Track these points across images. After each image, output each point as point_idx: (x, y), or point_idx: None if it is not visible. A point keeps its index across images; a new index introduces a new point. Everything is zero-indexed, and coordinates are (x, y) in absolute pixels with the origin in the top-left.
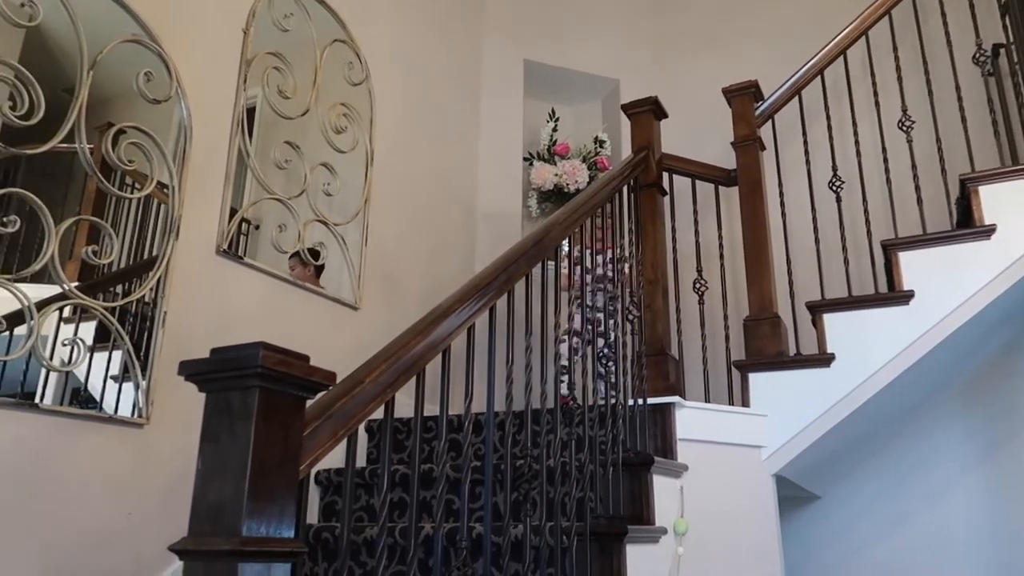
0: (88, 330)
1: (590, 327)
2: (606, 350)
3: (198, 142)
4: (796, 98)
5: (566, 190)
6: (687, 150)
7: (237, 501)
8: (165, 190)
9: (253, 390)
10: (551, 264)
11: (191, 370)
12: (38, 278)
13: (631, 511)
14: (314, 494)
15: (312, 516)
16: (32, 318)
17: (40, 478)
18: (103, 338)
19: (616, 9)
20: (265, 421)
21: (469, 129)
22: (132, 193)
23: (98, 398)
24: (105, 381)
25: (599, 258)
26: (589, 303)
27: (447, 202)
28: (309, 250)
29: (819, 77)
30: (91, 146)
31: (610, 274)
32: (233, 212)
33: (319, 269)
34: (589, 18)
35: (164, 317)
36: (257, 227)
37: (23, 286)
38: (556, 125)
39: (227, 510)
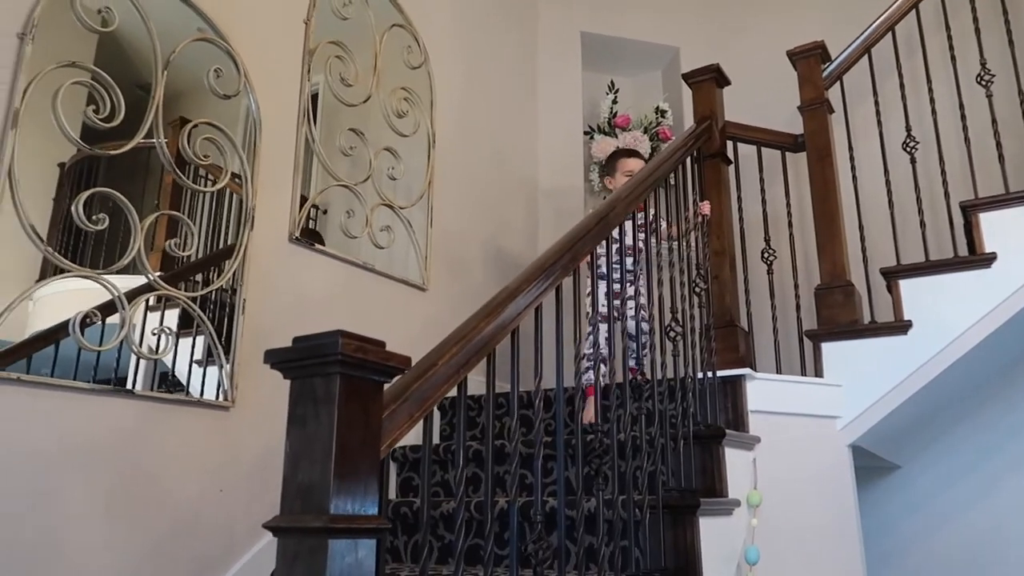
0: (171, 318)
1: (635, 302)
2: (674, 323)
3: (267, 133)
4: (865, 57)
5: None
6: (749, 117)
7: (324, 481)
8: (237, 181)
9: (334, 376)
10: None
11: (276, 358)
12: (120, 270)
13: (703, 484)
14: (391, 470)
15: (390, 492)
16: (124, 309)
17: (137, 459)
18: (184, 325)
19: None
20: (347, 405)
21: (527, 105)
22: (208, 186)
23: (183, 383)
24: (190, 367)
25: (665, 230)
26: (654, 277)
27: (508, 179)
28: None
29: (890, 33)
30: (165, 140)
31: (675, 246)
32: (303, 200)
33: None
34: None
35: (244, 304)
36: (325, 212)
37: (110, 278)
38: (616, 97)
39: (315, 490)
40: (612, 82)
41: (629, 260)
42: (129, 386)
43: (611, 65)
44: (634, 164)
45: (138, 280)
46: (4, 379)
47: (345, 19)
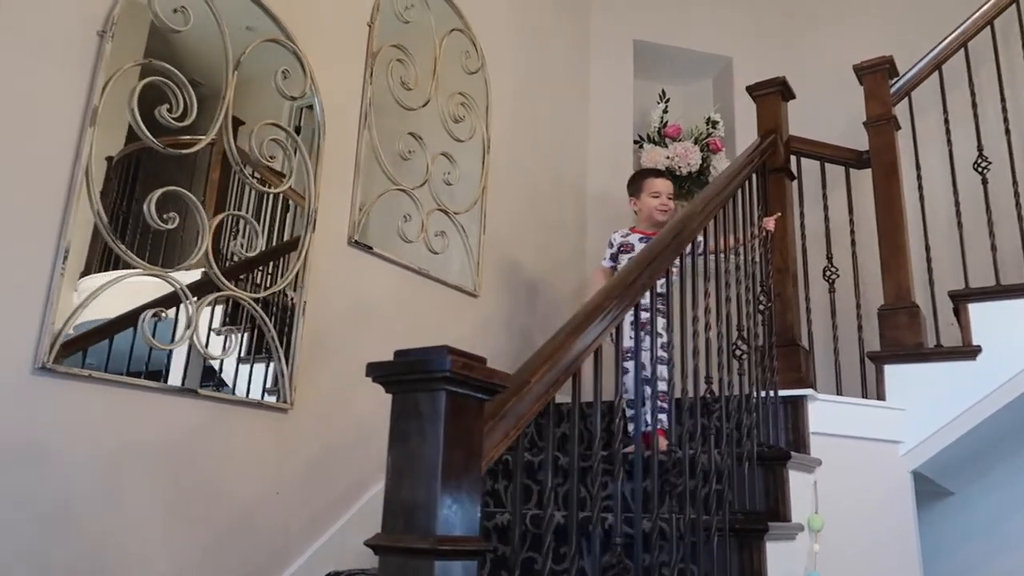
0: (206, 315)
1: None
2: (739, 342)
3: (330, 136)
4: (936, 73)
5: (677, 173)
6: (801, 129)
7: (430, 501)
8: (284, 180)
9: (440, 393)
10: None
11: (379, 372)
12: (167, 265)
13: (766, 506)
14: None
15: None
16: (191, 308)
17: (197, 460)
18: (234, 323)
19: None
20: (452, 423)
21: (579, 112)
22: (270, 187)
23: (227, 382)
24: (251, 370)
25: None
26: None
27: (558, 186)
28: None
29: (963, 49)
30: (212, 139)
31: (741, 264)
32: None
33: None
34: None
35: (304, 306)
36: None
37: (174, 275)
38: (666, 106)
39: (420, 509)
40: (663, 91)
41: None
42: (177, 383)
43: (661, 73)
44: (662, 185)
45: (190, 276)
46: (76, 376)
47: (407, 22)
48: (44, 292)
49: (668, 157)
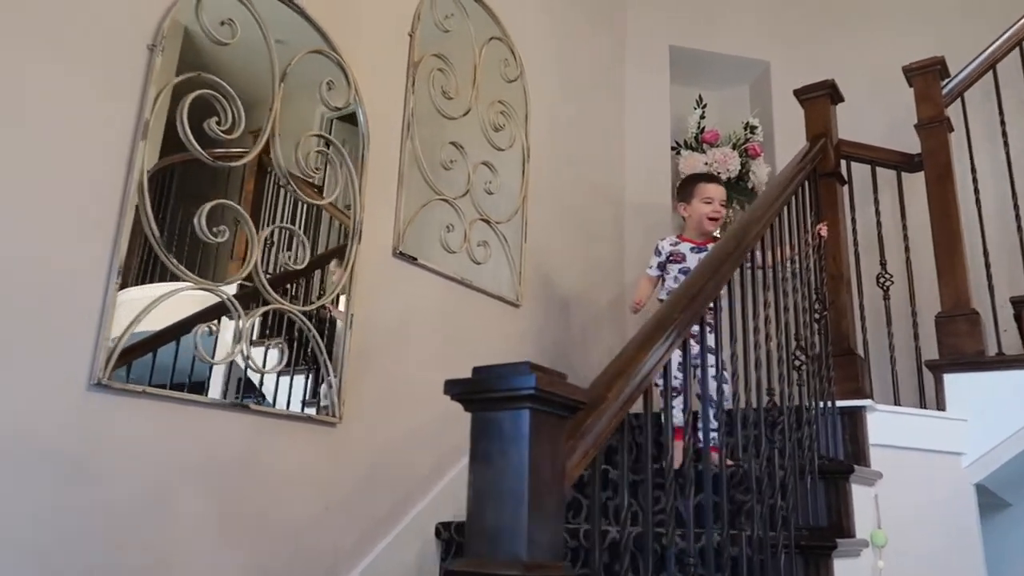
0: (258, 327)
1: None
2: (798, 351)
3: (373, 146)
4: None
5: None
6: (843, 133)
7: (517, 526)
8: (326, 191)
9: (524, 411)
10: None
11: (457, 389)
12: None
13: (828, 522)
14: None
15: None
16: (241, 321)
17: (246, 474)
18: (273, 336)
19: None
20: (537, 443)
21: (615, 120)
22: (316, 199)
23: (268, 394)
24: (291, 382)
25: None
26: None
27: (596, 195)
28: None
29: (1018, 48)
30: (244, 150)
31: (795, 270)
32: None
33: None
34: None
35: (351, 319)
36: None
37: (216, 288)
38: (704, 112)
39: (507, 534)
40: (700, 96)
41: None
42: (228, 398)
43: (698, 79)
44: (715, 191)
45: (228, 289)
46: (131, 391)
47: (447, 31)
48: (99, 307)
49: (706, 163)
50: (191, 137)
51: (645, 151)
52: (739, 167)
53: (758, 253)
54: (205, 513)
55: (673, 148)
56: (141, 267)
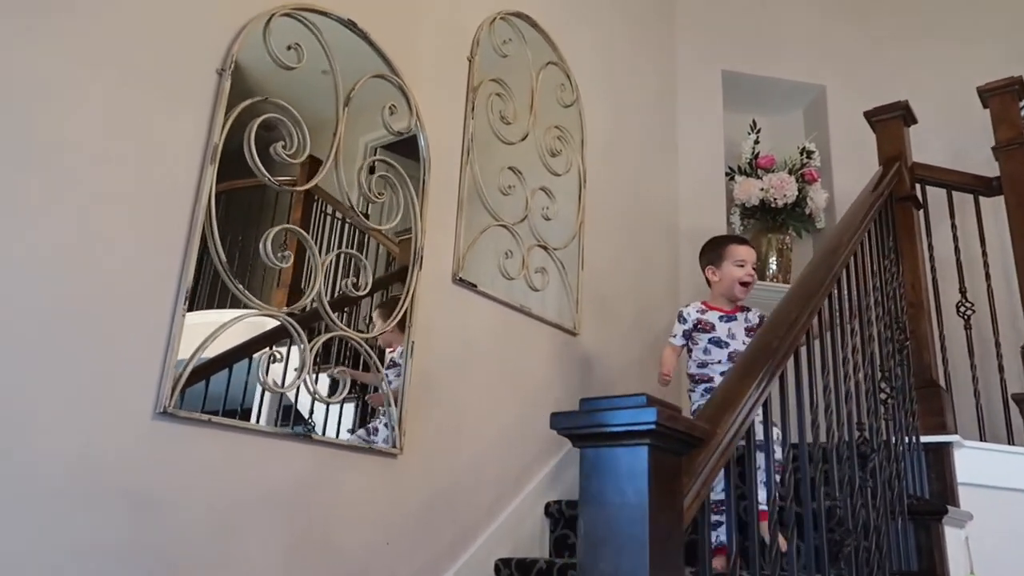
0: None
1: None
2: (883, 383)
3: (435, 171)
4: None
5: (772, 205)
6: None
7: (638, 574)
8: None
9: (643, 447)
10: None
11: (565, 424)
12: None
13: (919, 566)
14: (543, 526)
15: (541, 550)
16: (306, 349)
17: (309, 507)
18: (325, 363)
19: (816, 11)
20: (657, 483)
21: (668, 145)
22: (376, 224)
23: (317, 420)
24: (341, 410)
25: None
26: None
27: (650, 221)
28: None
29: None
30: (293, 178)
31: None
32: None
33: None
34: (787, 23)
35: (412, 346)
36: None
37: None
38: (758, 137)
39: None
40: (754, 121)
41: None
42: (265, 423)
43: (750, 104)
44: (747, 253)
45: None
46: (196, 420)
47: (504, 56)
48: (166, 333)
49: (762, 189)
50: (258, 162)
51: (699, 177)
52: (796, 193)
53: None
54: (269, 544)
55: (727, 174)
56: (197, 292)
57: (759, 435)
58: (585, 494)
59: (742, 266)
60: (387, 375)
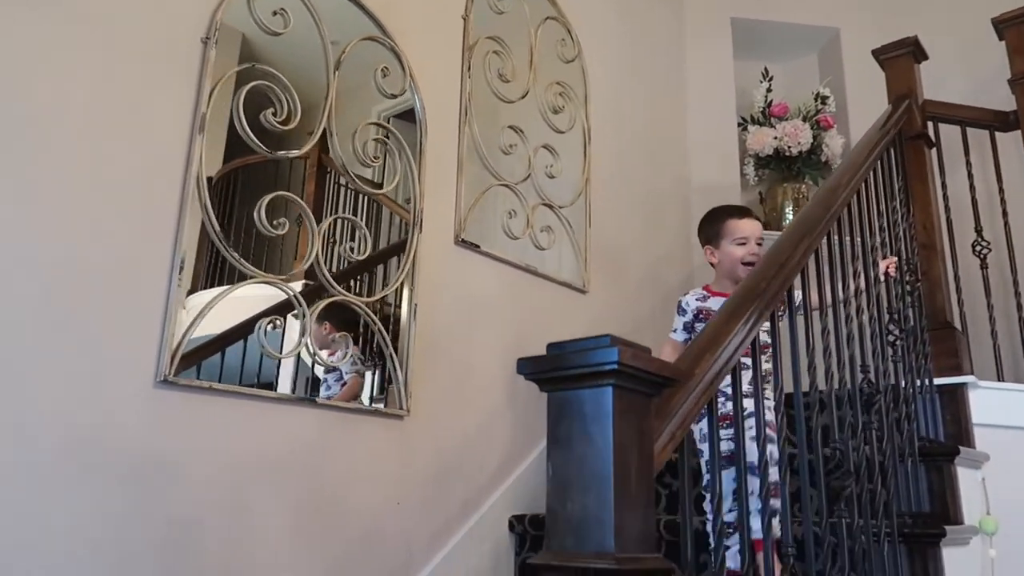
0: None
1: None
2: (891, 326)
3: (431, 133)
4: None
5: (787, 154)
6: (926, 96)
7: (603, 514)
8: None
9: (606, 389)
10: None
11: (531, 368)
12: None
13: (932, 508)
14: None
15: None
16: (305, 315)
17: (318, 469)
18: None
19: None
20: (622, 423)
21: (676, 97)
22: (375, 190)
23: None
24: (372, 384)
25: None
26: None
27: (659, 175)
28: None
29: None
30: (306, 154)
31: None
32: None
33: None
34: None
35: (415, 309)
36: None
37: (276, 284)
38: (770, 85)
39: (592, 524)
40: (766, 69)
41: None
42: (293, 392)
43: (761, 51)
44: (750, 228)
45: (294, 287)
46: (197, 388)
47: (501, 13)
48: (162, 304)
49: (776, 137)
50: (248, 129)
51: (710, 128)
52: (811, 140)
53: (797, 293)
54: (280, 507)
55: (740, 124)
56: (210, 272)
57: (752, 455)
58: (553, 437)
59: (744, 243)
60: (327, 380)
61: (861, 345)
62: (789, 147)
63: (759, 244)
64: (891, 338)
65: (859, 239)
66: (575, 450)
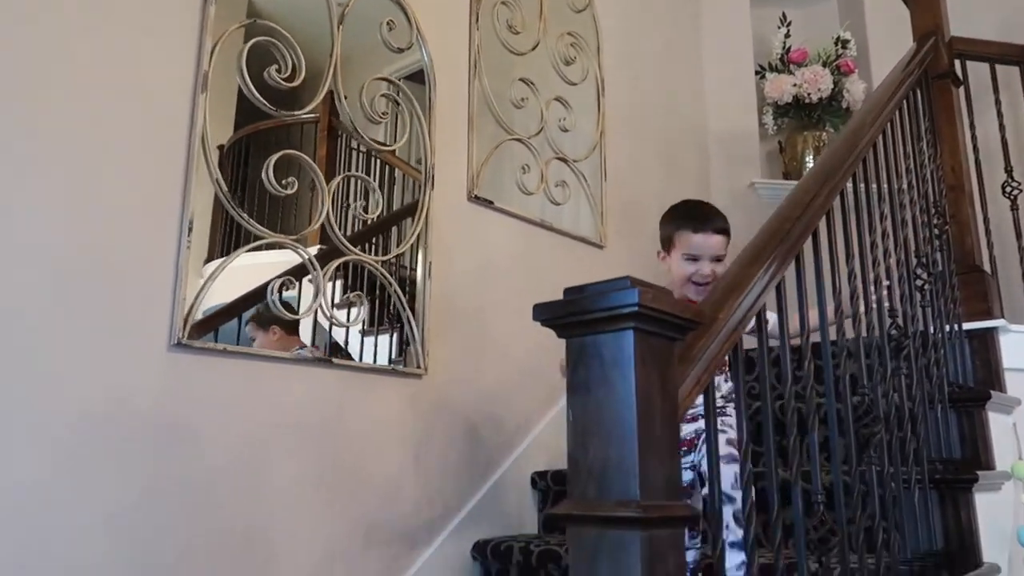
0: (339, 289)
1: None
2: (919, 270)
3: (440, 88)
4: None
5: (806, 101)
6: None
7: (627, 461)
8: (378, 142)
9: (627, 332)
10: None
11: (547, 314)
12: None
13: (963, 454)
14: None
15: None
16: (318, 275)
17: (337, 429)
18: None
19: None
20: (644, 367)
21: (692, 46)
22: (384, 146)
23: (356, 355)
24: (376, 342)
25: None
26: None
27: (677, 126)
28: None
29: None
30: (316, 114)
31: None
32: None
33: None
34: None
35: (430, 267)
36: None
37: (290, 246)
38: (788, 30)
39: (615, 471)
40: (783, 14)
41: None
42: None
43: None
44: (706, 244)
45: (309, 251)
46: (211, 350)
47: None
48: (173, 266)
49: (795, 84)
50: (252, 88)
51: (727, 77)
52: (831, 86)
53: (771, 315)
54: (298, 469)
55: (757, 72)
56: (226, 240)
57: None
58: (572, 384)
59: (694, 260)
60: None
61: (888, 289)
62: (809, 94)
63: (717, 261)
64: (919, 283)
65: (884, 186)
66: (595, 396)
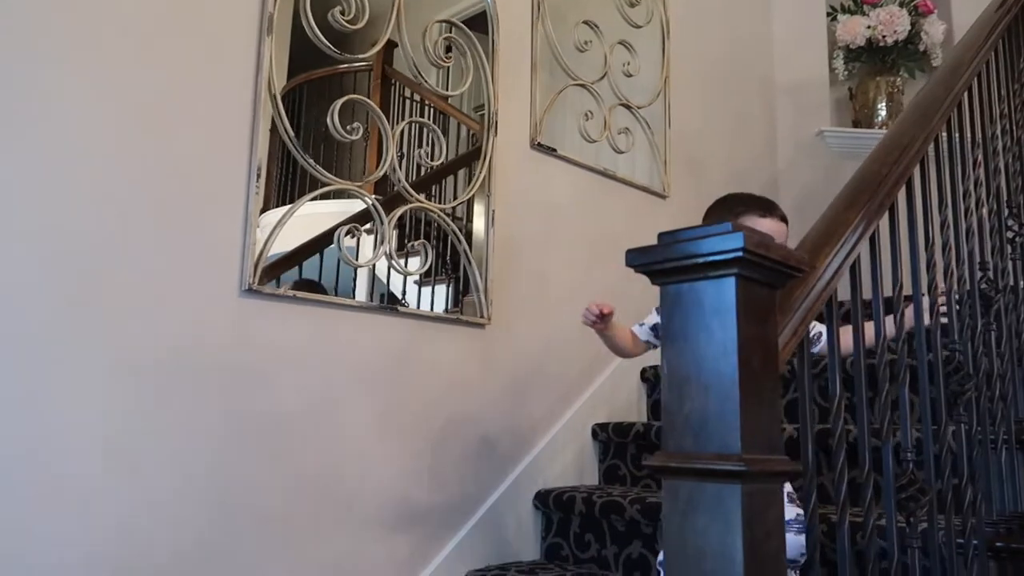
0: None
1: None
2: (1010, 220)
3: (503, 30)
4: None
5: (880, 44)
6: None
7: (728, 412)
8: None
9: (728, 279)
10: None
11: (641, 259)
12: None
13: None
14: (640, 392)
15: (639, 415)
16: (383, 223)
17: (403, 376)
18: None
19: None
20: (746, 316)
21: None
22: (446, 92)
23: (407, 302)
24: (432, 291)
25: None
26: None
27: (741, 72)
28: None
29: None
30: (366, 57)
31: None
32: None
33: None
34: None
35: (493, 215)
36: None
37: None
38: None
39: (715, 423)
40: None
41: None
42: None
43: None
44: (774, 228)
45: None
46: (281, 296)
47: None
48: (242, 212)
49: (869, 27)
50: (316, 29)
51: (796, 19)
52: (908, 28)
53: (821, 327)
54: (365, 415)
55: (828, 14)
56: (280, 191)
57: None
58: (668, 333)
59: None
60: None
61: (980, 241)
62: (884, 36)
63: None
64: (1010, 234)
65: (977, 134)
66: (693, 346)
